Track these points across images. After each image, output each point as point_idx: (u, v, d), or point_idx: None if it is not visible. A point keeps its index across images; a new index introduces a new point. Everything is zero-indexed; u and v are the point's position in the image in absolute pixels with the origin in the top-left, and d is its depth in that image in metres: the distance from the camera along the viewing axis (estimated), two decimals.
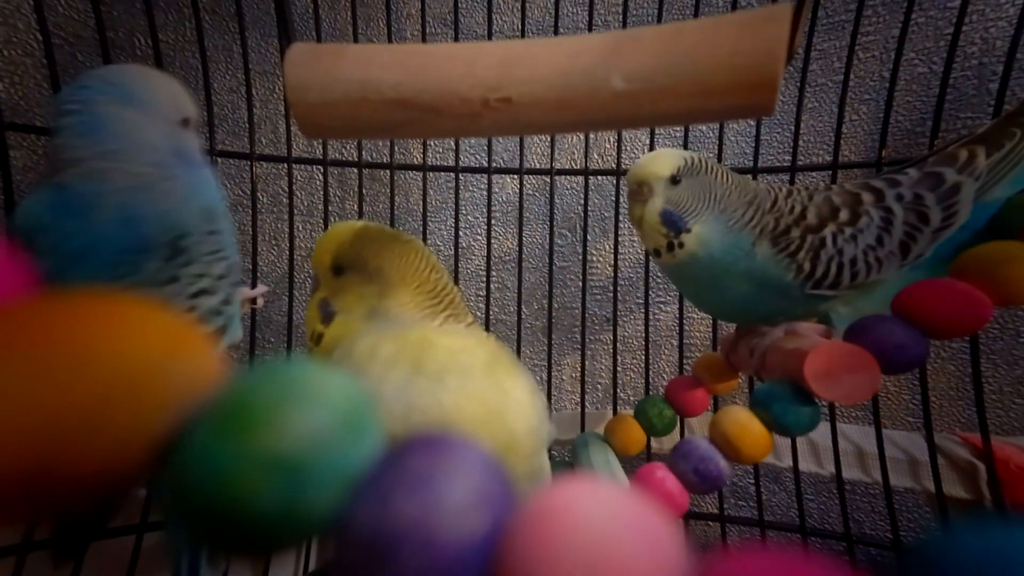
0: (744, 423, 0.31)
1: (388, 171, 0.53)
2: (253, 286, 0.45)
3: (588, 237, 0.53)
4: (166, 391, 0.10)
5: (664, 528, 0.10)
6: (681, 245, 0.33)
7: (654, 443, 0.50)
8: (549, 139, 0.55)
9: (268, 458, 0.09)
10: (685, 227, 0.33)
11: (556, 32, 0.53)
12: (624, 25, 0.52)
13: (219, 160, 0.47)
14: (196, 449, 0.09)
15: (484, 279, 0.54)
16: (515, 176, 0.54)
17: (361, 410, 0.11)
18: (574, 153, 0.59)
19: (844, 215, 0.32)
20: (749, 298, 0.33)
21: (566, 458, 0.50)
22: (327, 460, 0.10)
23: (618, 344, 0.55)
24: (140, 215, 0.27)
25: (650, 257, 0.35)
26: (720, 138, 0.52)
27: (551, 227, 0.52)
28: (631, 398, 0.60)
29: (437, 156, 0.57)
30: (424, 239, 0.53)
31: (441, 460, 0.10)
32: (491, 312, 0.55)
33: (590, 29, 0.52)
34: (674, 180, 0.33)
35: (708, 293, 0.36)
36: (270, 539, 0.09)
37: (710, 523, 0.51)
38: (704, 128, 0.56)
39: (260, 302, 0.44)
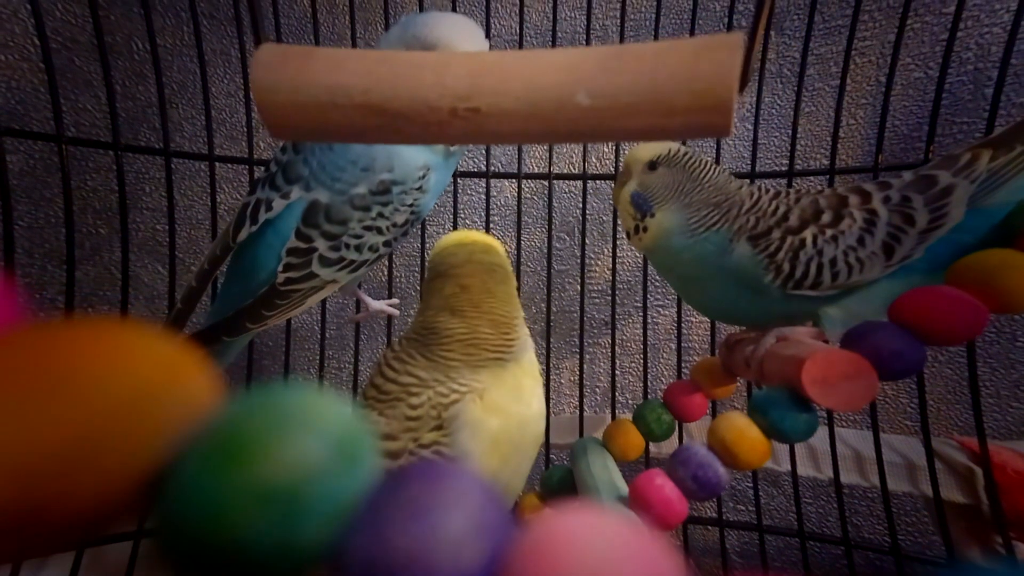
0: (742, 429, 0.31)
1: None
2: None
3: (586, 241, 0.53)
4: (160, 420, 0.10)
5: (666, 559, 0.10)
6: (645, 229, 0.35)
7: (652, 447, 0.50)
8: (547, 144, 0.55)
9: (261, 488, 0.09)
10: (650, 211, 0.35)
11: (554, 36, 0.53)
12: (622, 30, 0.52)
13: (217, 165, 0.47)
14: (188, 479, 0.09)
15: None
16: (513, 180, 0.54)
17: (355, 437, 0.10)
18: (572, 157, 0.59)
19: (827, 217, 0.32)
20: (729, 295, 0.34)
21: (564, 462, 0.50)
22: (322, 489, 0.10)
23: (616, 348, 0.55)
24: (374, 155, 0.34)
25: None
26: (718, 143, 0.52)
27: (549, 231, 0.52)
28: (630, 402, 0.60)
29: None
30: (422, 244, 0.53)
31: (439, 488, 0.10)
32: None
33: (588, 34, 0.52)
34: (652, 166, 0.36)
35: (689, 286, 0.37)
36: (264, 572, 0.09)
37: (709, 528, 0.52)
38: None
39: (396, 312, 0.47)
